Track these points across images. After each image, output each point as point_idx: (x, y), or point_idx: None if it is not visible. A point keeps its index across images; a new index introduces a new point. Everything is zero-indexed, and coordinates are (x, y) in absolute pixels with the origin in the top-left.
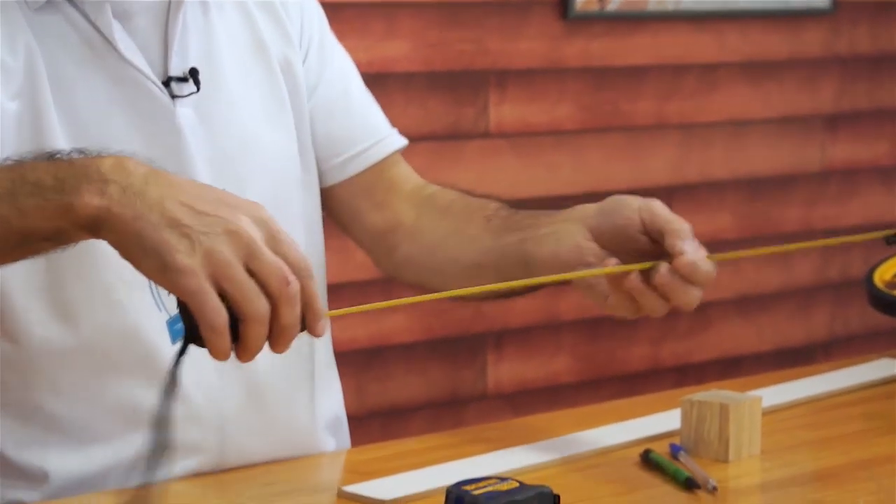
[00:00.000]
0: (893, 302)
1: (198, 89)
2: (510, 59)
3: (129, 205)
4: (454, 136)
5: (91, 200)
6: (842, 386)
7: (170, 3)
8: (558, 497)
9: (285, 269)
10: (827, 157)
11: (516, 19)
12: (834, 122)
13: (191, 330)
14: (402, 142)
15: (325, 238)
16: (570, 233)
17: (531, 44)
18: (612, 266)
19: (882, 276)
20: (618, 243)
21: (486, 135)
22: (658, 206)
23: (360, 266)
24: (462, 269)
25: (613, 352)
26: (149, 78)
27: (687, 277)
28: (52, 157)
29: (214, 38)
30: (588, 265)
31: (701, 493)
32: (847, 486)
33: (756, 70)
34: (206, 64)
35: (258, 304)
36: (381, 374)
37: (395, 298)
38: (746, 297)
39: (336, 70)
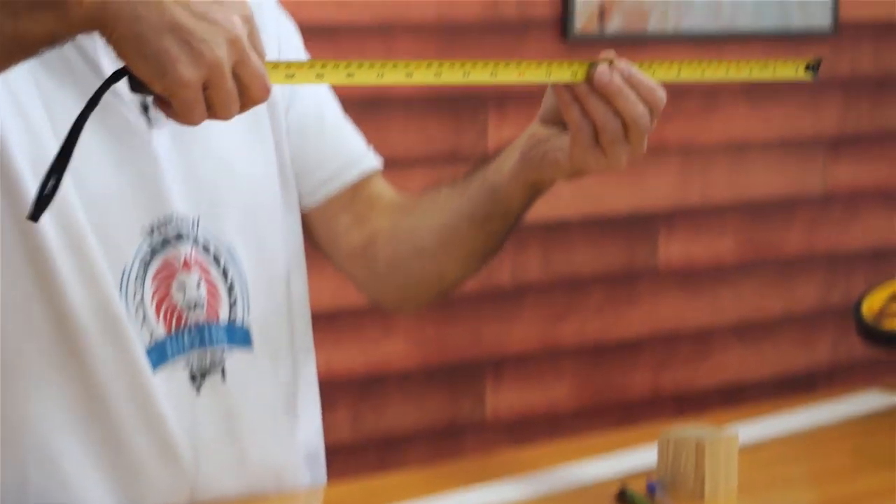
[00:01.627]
0: (881, 333)
1: None
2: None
3: (126, 3)
4: (453, 158)
5: None
6: (827, 420)
7: None
8: None
9: (266, 77)
10: (829, 180)
11: (515, 40)
12: (836, 145)
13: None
14: (378, 161)
15: (322, 265)
16: (522, 137)
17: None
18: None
19: (871, 306)
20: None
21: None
22: None
23: (357, 292)
24: (441, 238)
25: (613, 379)
26: (126, 103)
27: (623, 74)
28: None
29: None
30: (554, 160)
31: None
32: None
33: (757, 92)
34: None
35: (233, 110)
36: (378, 403)
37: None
38: (748, 323)
39: (312, 93)
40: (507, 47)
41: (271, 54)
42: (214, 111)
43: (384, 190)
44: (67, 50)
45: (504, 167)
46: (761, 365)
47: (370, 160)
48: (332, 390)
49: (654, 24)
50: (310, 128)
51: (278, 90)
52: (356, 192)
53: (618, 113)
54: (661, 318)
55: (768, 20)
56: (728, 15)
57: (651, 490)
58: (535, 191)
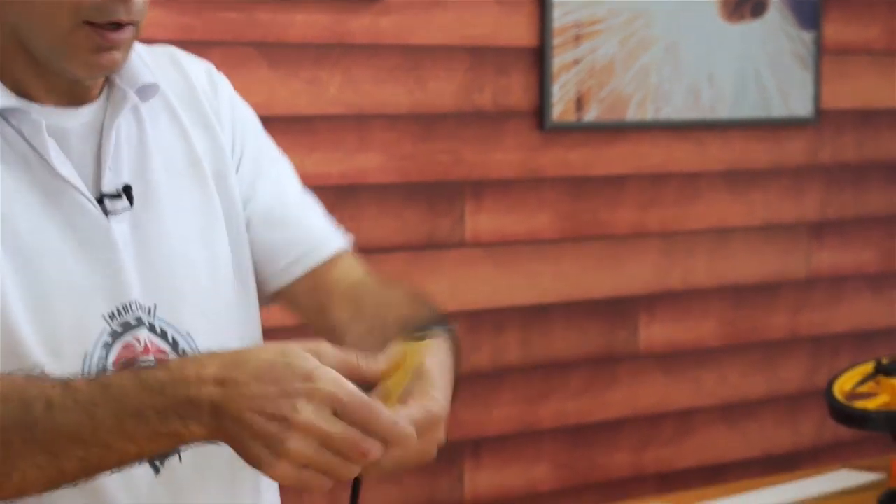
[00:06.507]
0: (851, 413)
1: (131, 205)
2: (486, 169)
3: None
4: (430, 245)
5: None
6: (800, 497)
7: (103, 121)
8: None
9: (357, 436)
10: (813, 265)
11: (492, 130)
12: (819, 230)
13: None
14: (339, 244)
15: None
16: None
17: (507, 154)
18: None
19: (842, 387)
20: None
21: (462, 244)
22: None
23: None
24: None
25: (594, 458)
26: (83, 195)
27: None
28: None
29: (148, 153)
30: None
31: None
32: None
33: (738, 179)
34: (140, 180)
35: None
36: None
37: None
38: (731, 404)
39: (271, 178)
40: (483, 136)
41: (227, 136)
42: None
43: (348, 273)
44: (22, 146)
45: None
46: (745, 445)
47: (332, 244)
48: None
49: (632, 114)
50: (273, 215)
51: (236, 182)
52: (317, 278)
53: None
54: (642, 399)
55: (748, 109)
56: (708, 104)
57: None
58: None
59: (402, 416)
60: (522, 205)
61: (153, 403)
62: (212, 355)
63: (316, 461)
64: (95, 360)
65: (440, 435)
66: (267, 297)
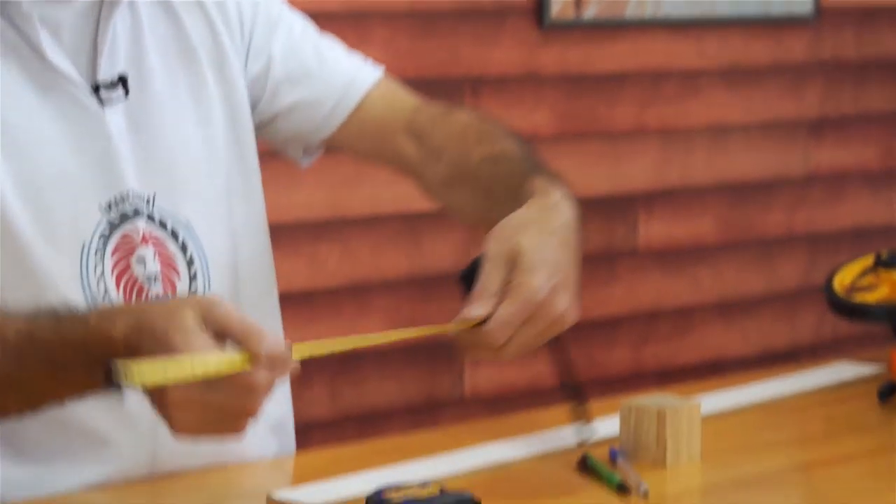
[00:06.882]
0: (851, 306)
1: (126, 95)
2: (485, 67)
3: None
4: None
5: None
6: (798, 389)
7: (100, 10)
8: (479, 502)
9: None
10: (811, 162)
11: (491, 27)
12: (818, 128)
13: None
14: (369, 78)
15: (295, 245)
16: None
17: (506, 52)
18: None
19: (842, 280)
20: None
21: None
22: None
23: (332, 274)
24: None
25: (593, 356)
26: (77, 85)
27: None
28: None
29: (143, 43)
30: None
31: (633, 498)
32: (783, 490)
33: (737, 77)
34: (136, 69)
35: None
36: (356, 378)
37: (366, 304)
38: (729, 301)
39: (286, 41)
40: (482, 34)
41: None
42: None
43: (392, 104)
44: (13, 37)
45: None
46: (743, 342)
47: (362, 82)
48: (310, 366)
49: (631, 11)
50: (295, 75)
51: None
52: (360, 119)
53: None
54: (641, 296)
55: (748, 6)
56: (707, 1)
57: (613, 457)
58: None
59: (499, 315)
60: (521, 102)
61: (77, 359)
62: (120, 312)
63: (205, 429)
64: (93, 251)
65: (561, 303)
66: (316, 148)
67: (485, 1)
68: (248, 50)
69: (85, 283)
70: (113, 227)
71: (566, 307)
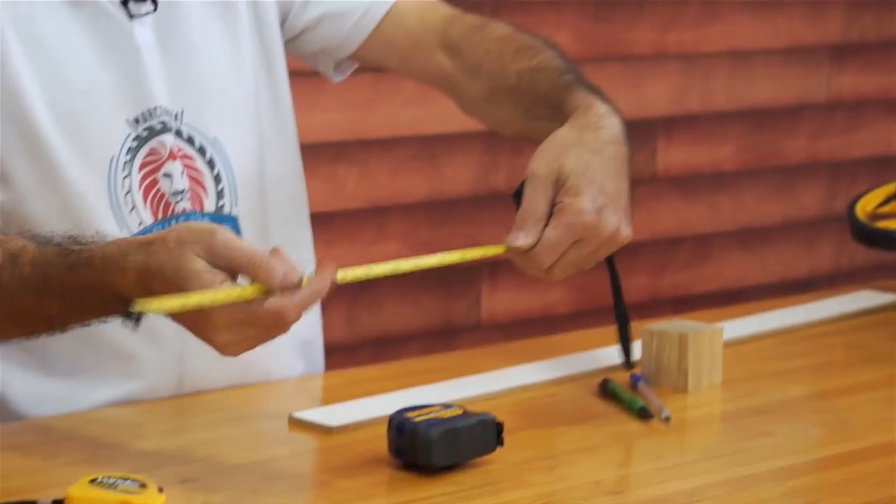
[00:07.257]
0: (873, 233)
1: (155, 8)
2: None
3: None
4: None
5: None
6: (818, 317)
7: None
8: (501, 425)
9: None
10: (833, 88)
11: None
12: (841, 53)
13: None
14: None
15: (314, 167)
16: None
17: None
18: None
19: (864, 207)
20: None
21: None
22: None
23: (350, 195)
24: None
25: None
26: None
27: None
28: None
29: None
30: None
31: (654, 423)
32: (802, 417)
33: (759, 0)
34: None
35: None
36: (373, 303)
37: (385, 227)
38: (749, 229)
39: None
40: None
41: None
42: None
43: (424, 15)
44: None
45: None
46: (763, 270)
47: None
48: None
49: None
50: (320, 7)
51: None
52: (390, 30)
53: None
54: (659, 223)
55: None
56: None
57: (635, 382)
58: None
59: (545, 239)
60: (542, 23)
61: (95, 299)
62: (125, 253)
63: (248, 341)
64: (121, 164)
65: (610, 223)
66: (347, 63)
67: None
68: None
69: (112, 197)
70: (141, 141)
71: (615, 227)
